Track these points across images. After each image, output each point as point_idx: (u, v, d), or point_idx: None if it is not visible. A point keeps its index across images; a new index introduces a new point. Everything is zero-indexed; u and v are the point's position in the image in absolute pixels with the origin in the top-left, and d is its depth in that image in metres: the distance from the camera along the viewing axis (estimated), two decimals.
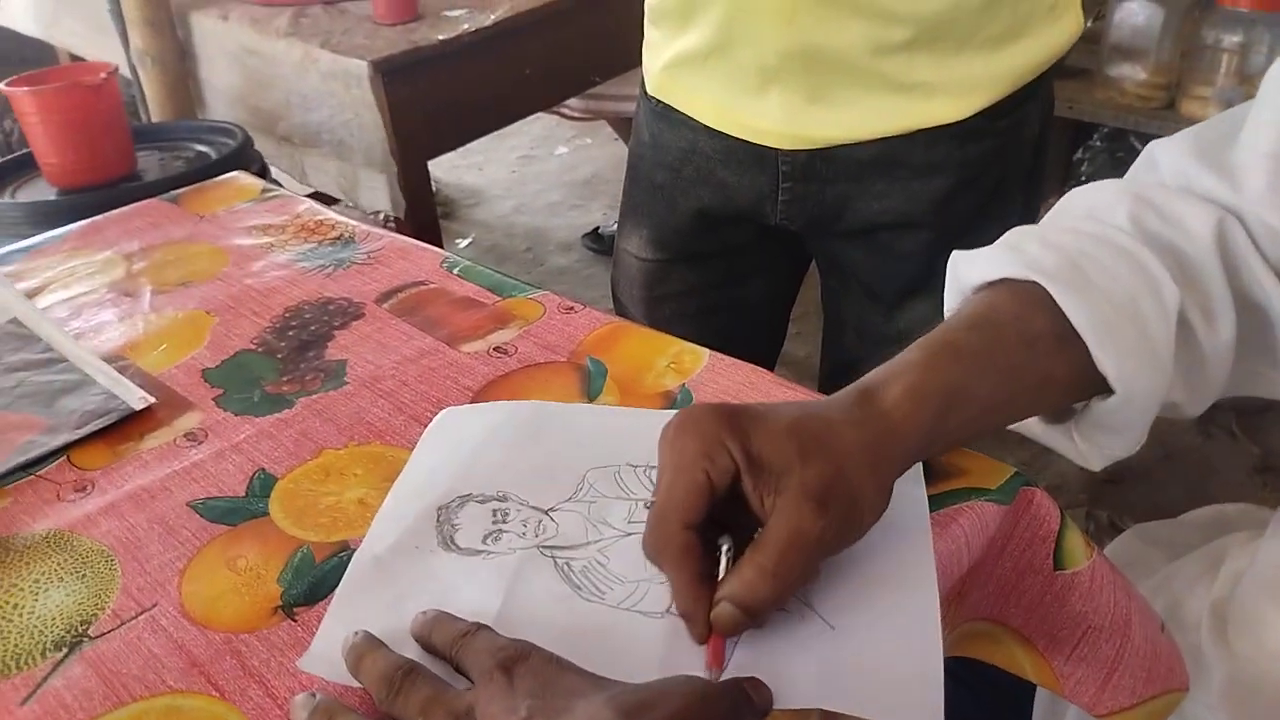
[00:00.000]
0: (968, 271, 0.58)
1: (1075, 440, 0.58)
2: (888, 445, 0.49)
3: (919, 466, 0.56)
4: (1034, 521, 0.57)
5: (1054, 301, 0.52)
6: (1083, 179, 2.52)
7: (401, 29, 1.67)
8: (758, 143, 0.90)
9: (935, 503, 0.55)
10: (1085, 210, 0.60)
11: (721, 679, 0.45)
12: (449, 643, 0.47)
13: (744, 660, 0.47)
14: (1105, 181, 0.61)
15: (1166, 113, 2.03)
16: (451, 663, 0.46)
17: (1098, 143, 2.39)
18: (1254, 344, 0.58)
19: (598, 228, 2.86)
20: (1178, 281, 0.54)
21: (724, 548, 0.48)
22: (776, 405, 0.50)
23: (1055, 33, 0.87)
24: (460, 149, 2.94)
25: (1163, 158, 0.61)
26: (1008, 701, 0.79)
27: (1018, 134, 0.90)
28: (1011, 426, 0.59)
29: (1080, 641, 0.58)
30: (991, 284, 0.56)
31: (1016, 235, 0.58)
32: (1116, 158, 2.46)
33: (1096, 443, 0.57)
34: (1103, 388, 0.53)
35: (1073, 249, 0.55)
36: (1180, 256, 0.55)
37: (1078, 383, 0.53)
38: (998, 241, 0.58)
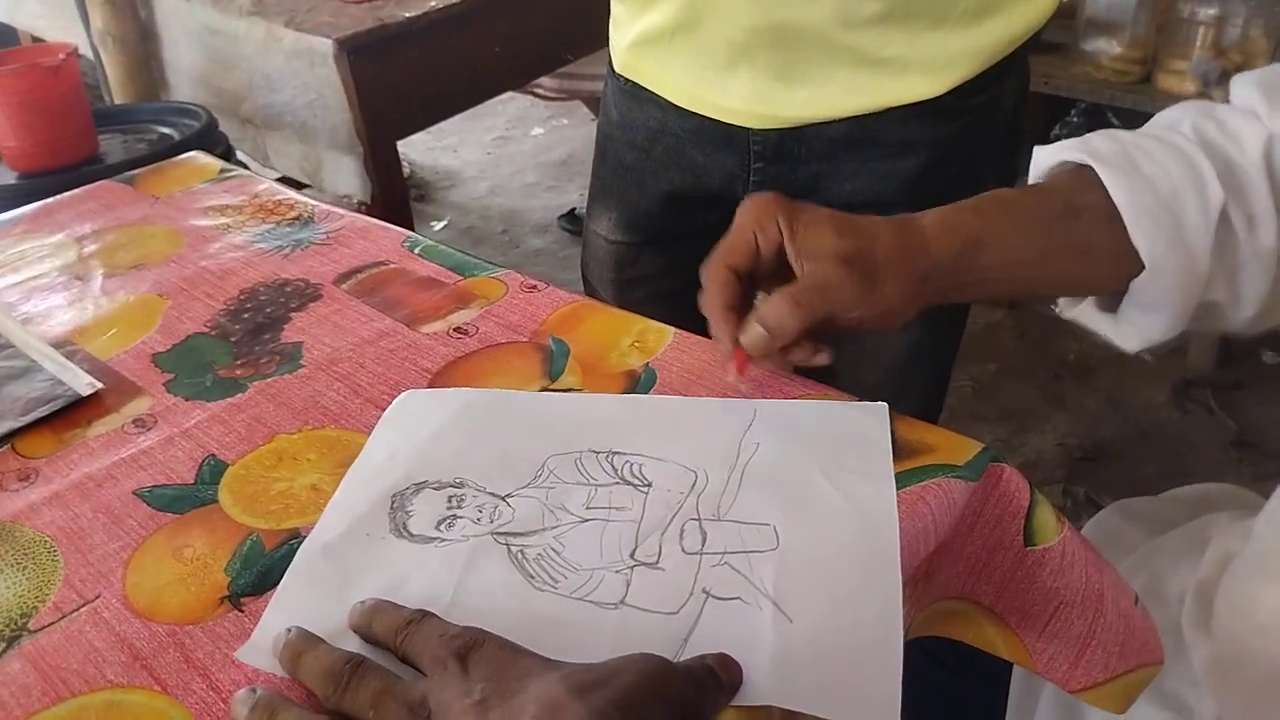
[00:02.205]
0: (1040, 158, 0.65)
1: (1117, 322, 0.64)
2: (917, 254, 0.58)
3: (888, 462, 0.55)
4: (1003, 498, 0.56)
5: (1103, 182, 0.58)
6: None
7: (368, 6, 1.64)
8: (728, 122, 0.88)
9: (902, 480, 0.54)
10: (1162, 123, 0.65)
11: (687, 657, 0.44)
12: (392, 631, 0.45)
13: (696, 651, 0.45)
14: (1188, 101, 0.66)
15: (1143, 87, 2.02)
16: (396, 652, 0.45)
17: (1074, 118, 2.38)
18: None
19: (574, 209, 2.83)
20: (1225, 185, 0.58)
21: (759, 299, 0.58)
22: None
23: (1030, 8, 0.84)
24: (434, 130, 2.92)
25: (1235, 85, 0.66)
26: (987, 679, 0.78)
27: (992, 111, 0.88)
28: (1067, 314, 0.68)
29: (1052, 618, 0.57)
30: (1063, 170, 0.62)
31: (1092, 133, 0.64)
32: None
33: (1132, 320, 0.63)
34: (1142, 268, 0.58)
35: (1131, 143, 0.61)
36: (1231, 164, 0.60)
37: (1118, 258, 0.59)
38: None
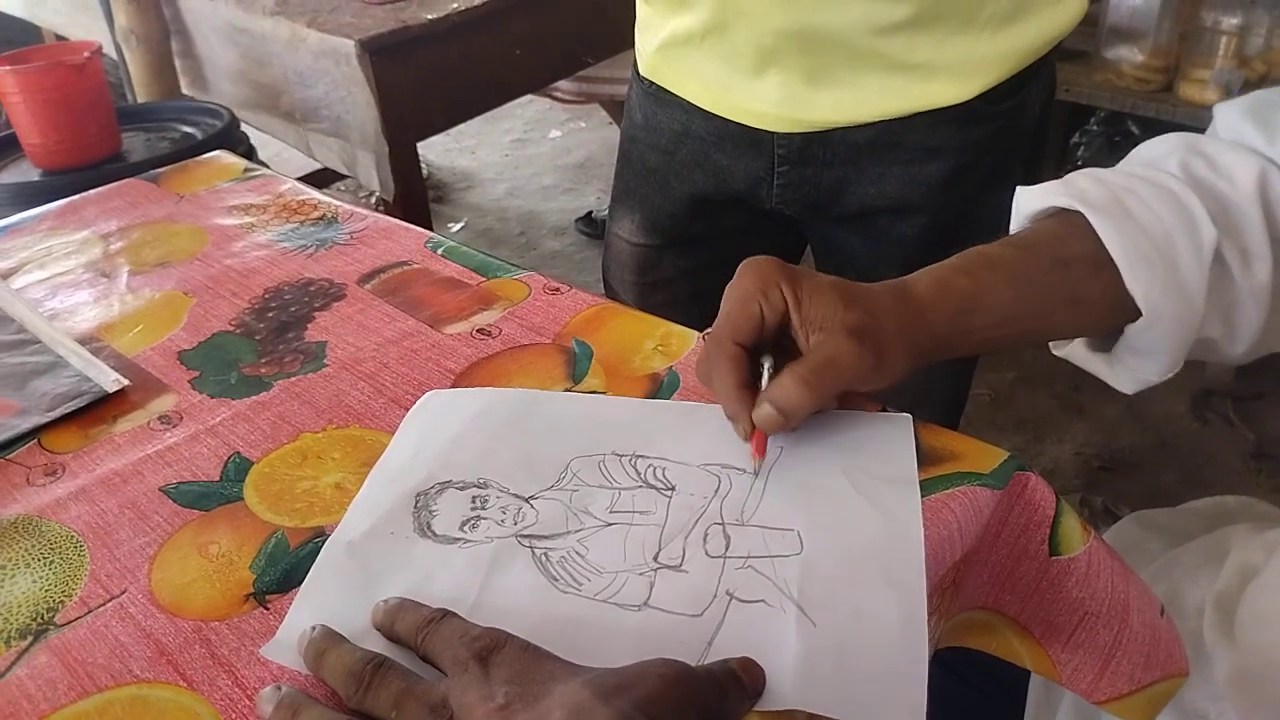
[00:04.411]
0: (1024, 202, 0.63)
1: (1112, 366, 0.63)
2: (916, 322, 0.56)
3: (913, 469, 0.55)
4: (1029, 507, 0.56)
5: (1094, 229, 0.56)
6: (1079, 164, 2.50)
7: (390, 7, 1.65)
8: (753, 125, 0.88)
9: (927, 488, 0.54)
10: (1145, 159, 0.64)
11: (711, 661, 0.44)
12: (414, 630, 0.45)
13: (721, 654, 0.45)
14: (1169, 135, 0.65)
15: (1164, 95, 2.01)
16: (418, 651, 0.45)
17: (1094, 126, 2.37)
18: None
19: (591, 212, 2.84)
20: (1217, 224, 0.57)
21: (766, 365, 0.56)
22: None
23: (1059, 12, 0.84)
24: (452, 132, 2.93)
25: (1220, 114, 0.65)
26: (1002, 690, 0.78)
27: (1018, 117, 0.88)
28: (1058, 353, 0.67)
29: (1077, 628, 0.57)
30: (1047, 215, 0.61)
31: (1075, 173, 0.62)
32: (1114, 142, 2.44)
33: (1127, 364, 0.62)
34: (1137, 313, 0.57)
35: (1120, 186, 0.59)
36: (1223, 201, 0.59)
37: (1112, 306, 0.58)
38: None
